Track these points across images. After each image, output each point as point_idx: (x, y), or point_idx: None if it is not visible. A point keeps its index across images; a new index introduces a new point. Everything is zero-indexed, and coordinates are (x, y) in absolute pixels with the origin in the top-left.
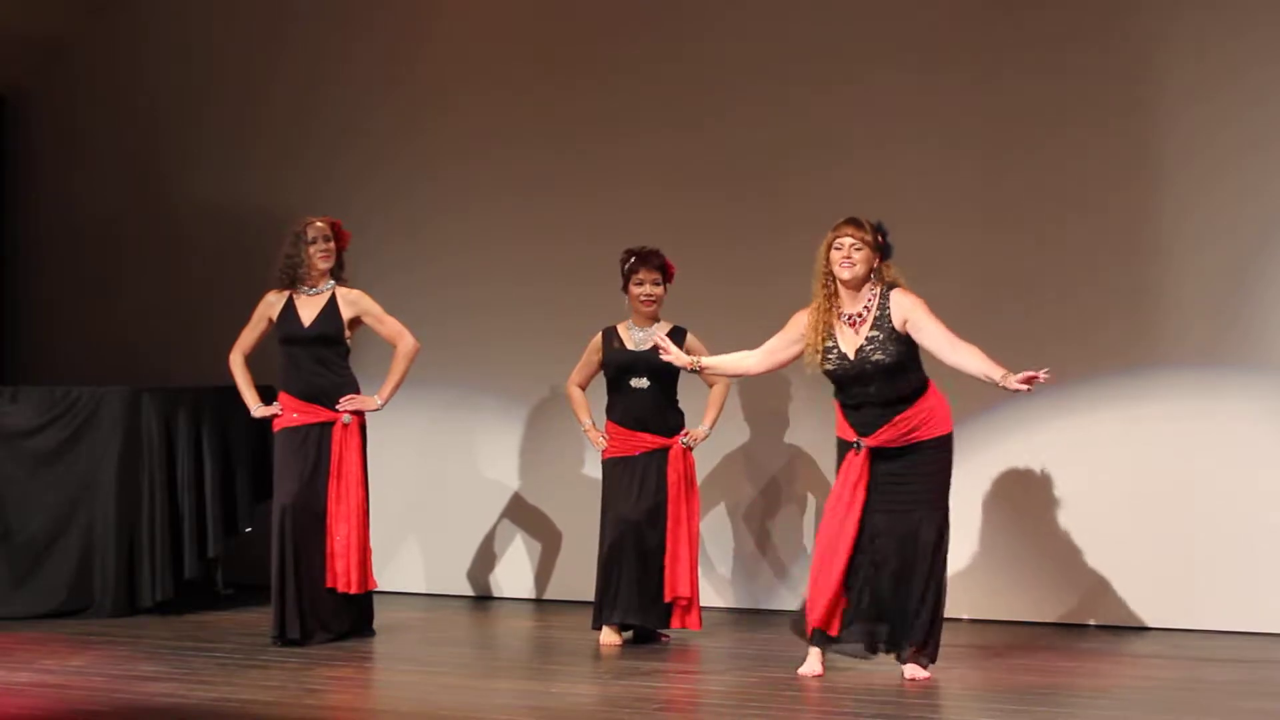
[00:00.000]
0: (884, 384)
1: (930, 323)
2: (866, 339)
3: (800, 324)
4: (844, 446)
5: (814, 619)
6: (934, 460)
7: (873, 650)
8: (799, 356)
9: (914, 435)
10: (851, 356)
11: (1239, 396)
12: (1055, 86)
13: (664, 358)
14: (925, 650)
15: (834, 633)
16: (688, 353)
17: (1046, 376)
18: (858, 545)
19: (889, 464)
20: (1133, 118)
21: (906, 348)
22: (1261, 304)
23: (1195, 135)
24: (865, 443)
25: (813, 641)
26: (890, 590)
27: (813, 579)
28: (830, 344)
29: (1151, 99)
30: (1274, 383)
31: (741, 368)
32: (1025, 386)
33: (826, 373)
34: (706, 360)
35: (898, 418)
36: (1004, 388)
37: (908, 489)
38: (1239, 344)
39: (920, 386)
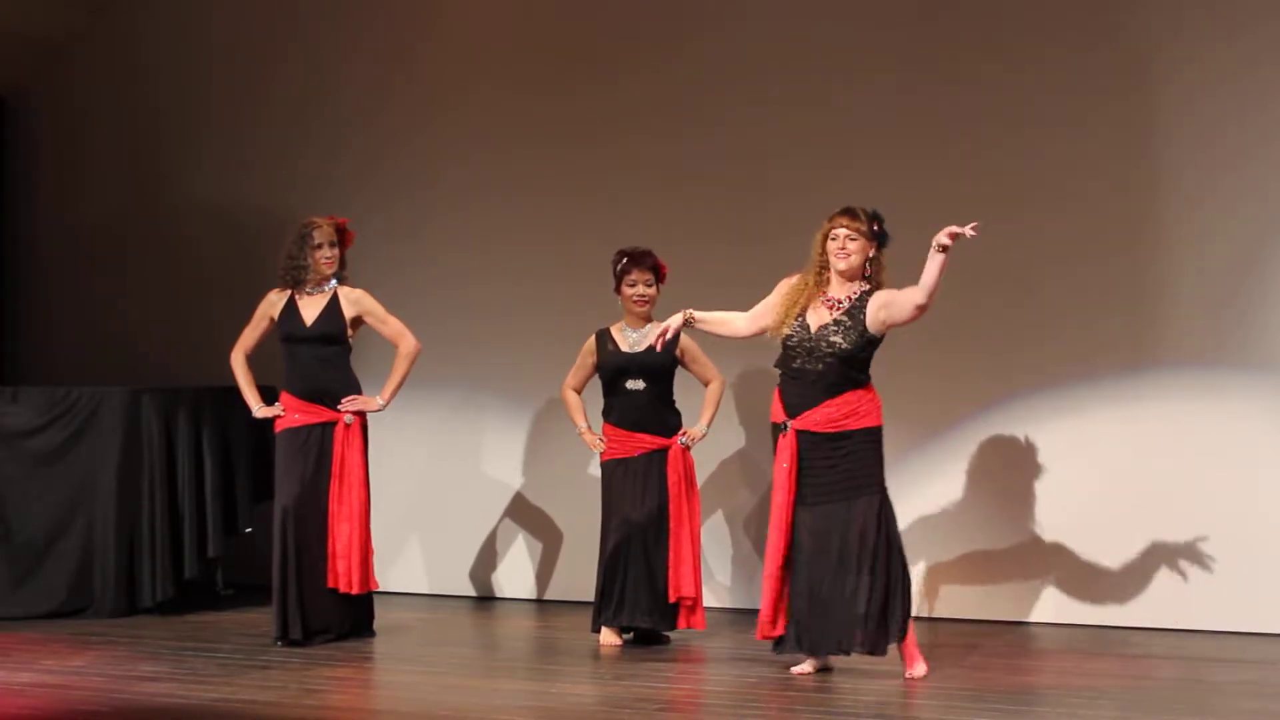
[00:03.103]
0: (829, 368)
1: (897, 293)
2: (834, 321)
3: (784, 289)
4: (776, 430)
5: (763, 626)
6: (863, 447)
7: (813, 652)
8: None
9: (844, 424)
10: (812, 330)
11: (1239, 396)
12: (1055, 86)
13: (669, 336)
14: (886, 636)
15: (778, 633)
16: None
17: (971, 231)
18: (793, 541)
19: (818, 450)
20: (1134, 117)
21: (865, 347)
22: (1262, 304)
23: (1196, 135)
24: (792, 424)
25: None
26: (831, 586)
27: (764, 581)
28: (800, 316)
29: (1152, 98)
30: (1274, 383)
31: (730, 328)
32: (947, 239)
33: (784, 339)
34: (698, 314)
35: (828, 401)
36: (943, 246)
37: (839, 476)
38: (1239, 344)
39: (859, 385)
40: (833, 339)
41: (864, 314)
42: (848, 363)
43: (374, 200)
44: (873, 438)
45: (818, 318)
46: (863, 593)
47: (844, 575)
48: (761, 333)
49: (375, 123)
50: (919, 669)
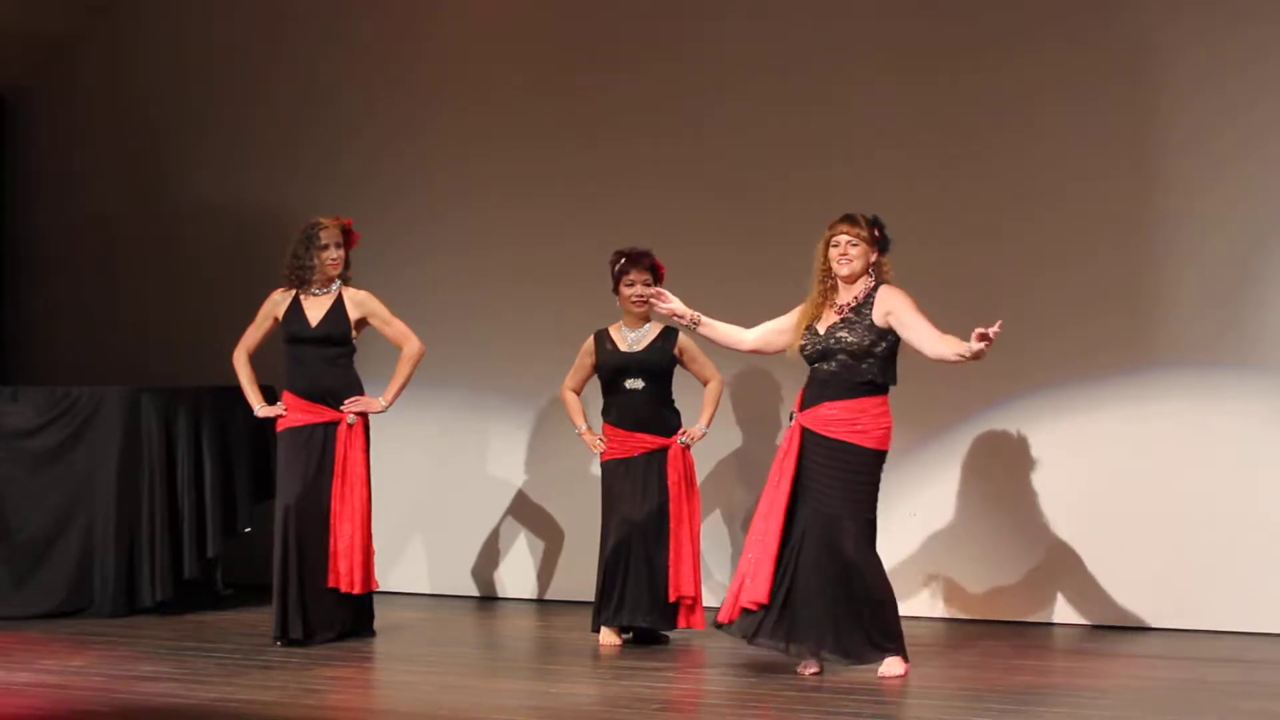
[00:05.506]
0: (843, 366)
1: (915, 317)
2: (841, 319)
3: (797, 314)
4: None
5: (730, 607)
6: (860, 468)
7: (785, 647)
8: (788, 346)
9: (844, 432)
10: (821, 332)
11: (1239, 396)
12: (1054, 84)
13: (663, 307)
14: (889, 650)
15: (732, 619)
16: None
17: (995, 331)
18: (785, 534)
19: (817, 453)
20: (1132, 116)
21: (878, 340)
22: (1262, 303)
23: (1195, 133)
24: (797, 415)
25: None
26: (816, 593)
27: (743, 562)
28: (810, 326)
29: (1151, 96)
30: (1274, 383)
31: (733, 339)
32: (982, 344)
33: (801, 350)
34: (705, 319)
35: (837, 401)
36: (973, 356)
37: (831, 488)
38: (1239, 344)
39: (874, 387)
40: (839, 334)
41: (870, 309)
42: (860, 359)
43: (374, 200)
44: (870, 461)
45: (825, 322)
46: (857, 619)
47: (826, 595)
48: (766, 351)
49: (375, 123)
50: (892, 668)
